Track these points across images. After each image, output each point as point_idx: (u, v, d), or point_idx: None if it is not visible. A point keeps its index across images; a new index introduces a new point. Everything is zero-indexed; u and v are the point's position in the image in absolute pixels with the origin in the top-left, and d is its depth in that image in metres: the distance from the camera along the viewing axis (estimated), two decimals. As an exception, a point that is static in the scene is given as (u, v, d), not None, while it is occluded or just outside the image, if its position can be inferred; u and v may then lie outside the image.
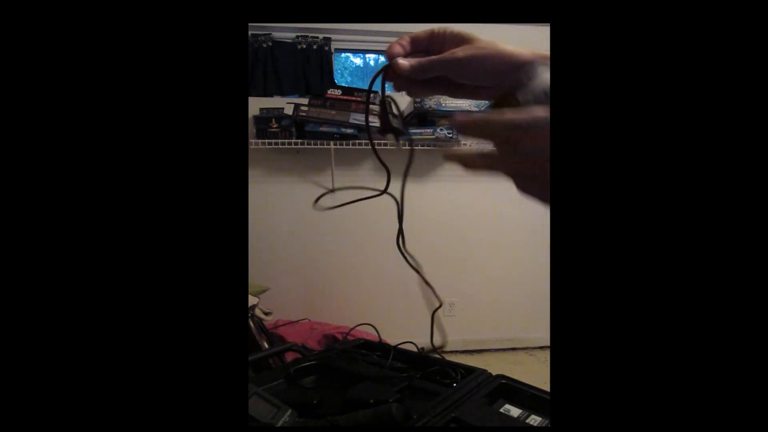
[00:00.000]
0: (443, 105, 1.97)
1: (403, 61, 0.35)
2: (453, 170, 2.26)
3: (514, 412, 0.60)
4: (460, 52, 0.33)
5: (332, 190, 0.40)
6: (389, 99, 0.39)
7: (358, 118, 1.89)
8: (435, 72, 0.34)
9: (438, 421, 0.55)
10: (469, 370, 0.70)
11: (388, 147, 2.12)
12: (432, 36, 0.36)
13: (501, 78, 0.32)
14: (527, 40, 2.21)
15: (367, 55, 2.44)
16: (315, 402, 0.60)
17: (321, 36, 2.18)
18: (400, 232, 0.45)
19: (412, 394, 0.65)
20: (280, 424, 0.53)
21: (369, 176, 2.21)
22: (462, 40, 0.34)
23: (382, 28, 2.23)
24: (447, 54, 0.34)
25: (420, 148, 2.10)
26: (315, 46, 2.18)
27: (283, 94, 2.17)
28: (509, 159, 0.30)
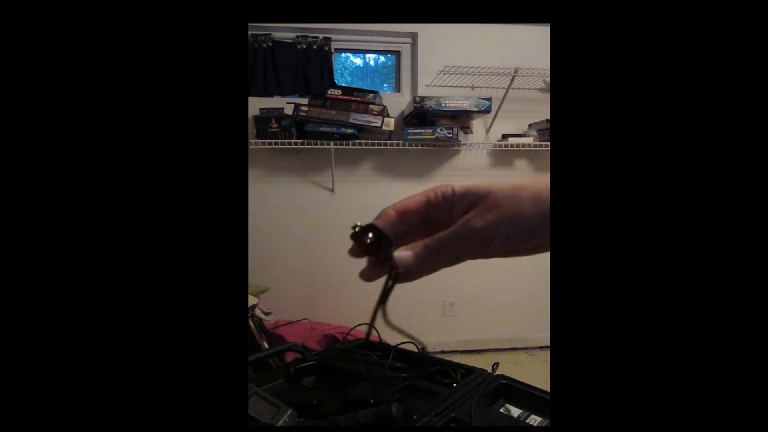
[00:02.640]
0: (443, 105, 1.97)
1: (403, 253, 0.28)
2: (453, 170, 2.26)
3: (514, 412, 0.60)
4: (477, 220, 0.26)
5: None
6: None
7: (358, 118, 1.89)
8: (449, 253, 0.28)
9: (438, 421, 0.55)
10: (469, 370, 0.70)
11: (388, 147, 2.12)
12: (429, 204, 0.29)
13: (531, 238, 0.27)
14: (527, 40, 2.21)
15: (367, 55, 2.44)
16: (315, 402, 0.60)
17: (321, 36, 2.18)
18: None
19: (412, 394, 0.65)
20: (280, 424, 0.53)
21: (369, 176, 2.21)
22: (474, 199, 0.27)
23: (382, 28, 2.23)
24: (460, 225, 0.27)
25: (420, 148, 2.10)
26: (315, 46, 2.18)
27: (283, 94, 2.17)
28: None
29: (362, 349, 0.82)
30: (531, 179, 0.27)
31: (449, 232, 0.27)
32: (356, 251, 0.30)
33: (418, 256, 0.28)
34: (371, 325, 0.32)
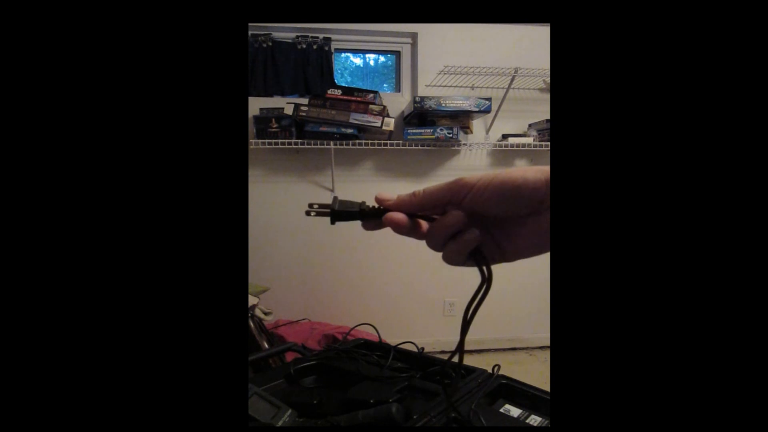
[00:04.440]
0: (443, 105, 1.97)
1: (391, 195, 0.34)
2: (453, 170, 2.26)
3: (514, 412, 0.60)
4: (468, 177, 0.31)
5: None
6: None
7: (358, 118, 1.89)
8: (437, 199, 0.32)
9: (438, 421, 0.55)
10: (469, 370, 0.70)
11: (388, 147, 2.12)
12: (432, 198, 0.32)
13: (513, 204, 0.30)
14: (527, 40, 2.21)
15: (367, 55, 2.44)
16: (315, 402, 0.60)
17: (321, 36, 2.18)
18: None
19: (412, 394, 0.65)
20: (280, 424, 0.53)
21: (369, 176, 2.21)
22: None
23: (382, 28, 2.23)
24: (454, 180, 0.31)
25: (420, 148, 2.10)
26: (315, 46, 2.18)
27: (283, 94, 2.16)
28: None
29: (362, 349, 0.82)
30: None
31: (444, 183, 0.32)
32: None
33: (399, 196, 0.34)
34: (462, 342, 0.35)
